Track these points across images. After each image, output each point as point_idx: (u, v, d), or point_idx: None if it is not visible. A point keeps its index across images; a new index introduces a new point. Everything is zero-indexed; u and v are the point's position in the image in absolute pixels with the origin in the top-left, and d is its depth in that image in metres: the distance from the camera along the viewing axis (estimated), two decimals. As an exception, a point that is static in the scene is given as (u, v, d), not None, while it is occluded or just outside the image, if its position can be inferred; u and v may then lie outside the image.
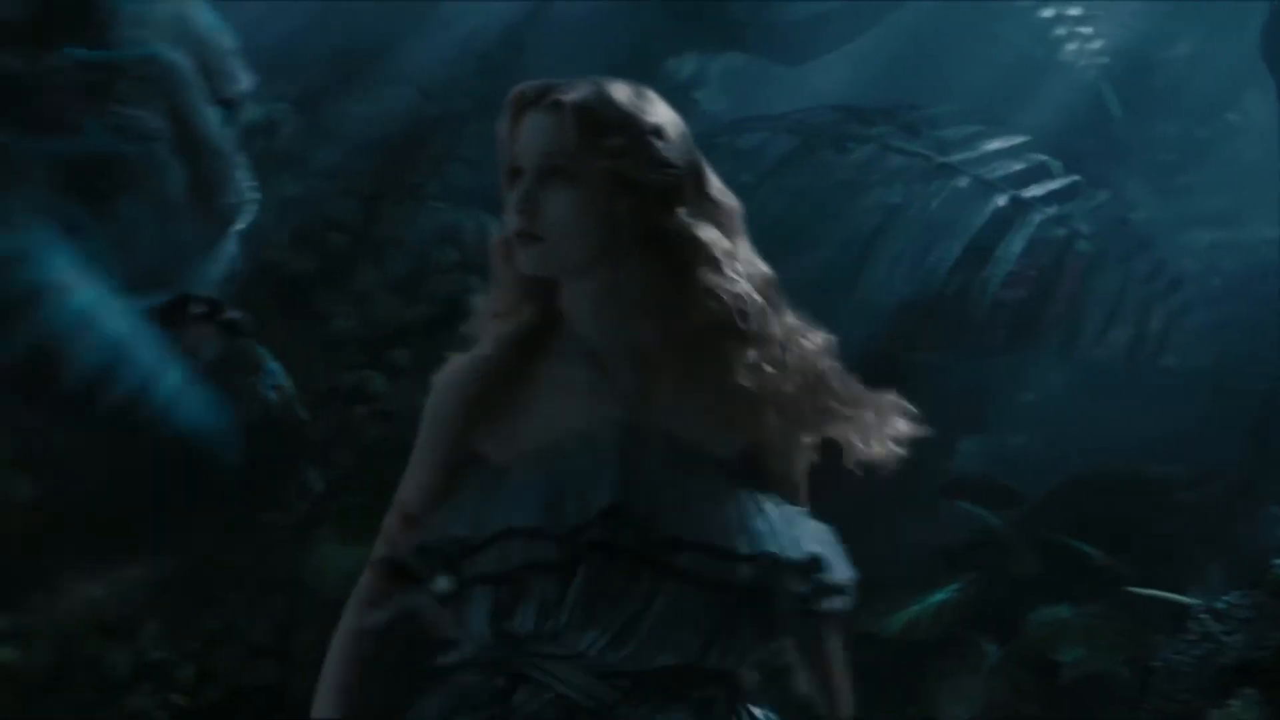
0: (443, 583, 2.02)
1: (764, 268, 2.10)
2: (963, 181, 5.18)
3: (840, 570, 2.04)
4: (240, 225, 2.14)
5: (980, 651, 4.30)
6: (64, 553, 4.71)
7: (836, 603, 2.04)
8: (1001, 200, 5.16)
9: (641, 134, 1.98)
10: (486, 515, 2.02)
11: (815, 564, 2.01)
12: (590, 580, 1.95)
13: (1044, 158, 5.43)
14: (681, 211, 2.00)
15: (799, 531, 2.02)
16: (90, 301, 2.17)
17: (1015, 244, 5.05)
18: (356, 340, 5.33)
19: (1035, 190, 5.20)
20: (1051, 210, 5.20)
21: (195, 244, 2.11)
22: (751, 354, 2.01)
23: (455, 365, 2.12)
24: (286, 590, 4.75)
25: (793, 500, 2.10)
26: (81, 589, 4.74)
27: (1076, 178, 5.35)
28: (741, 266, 2.04)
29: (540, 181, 1.98)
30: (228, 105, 2.08)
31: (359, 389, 5.17)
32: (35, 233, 2.06)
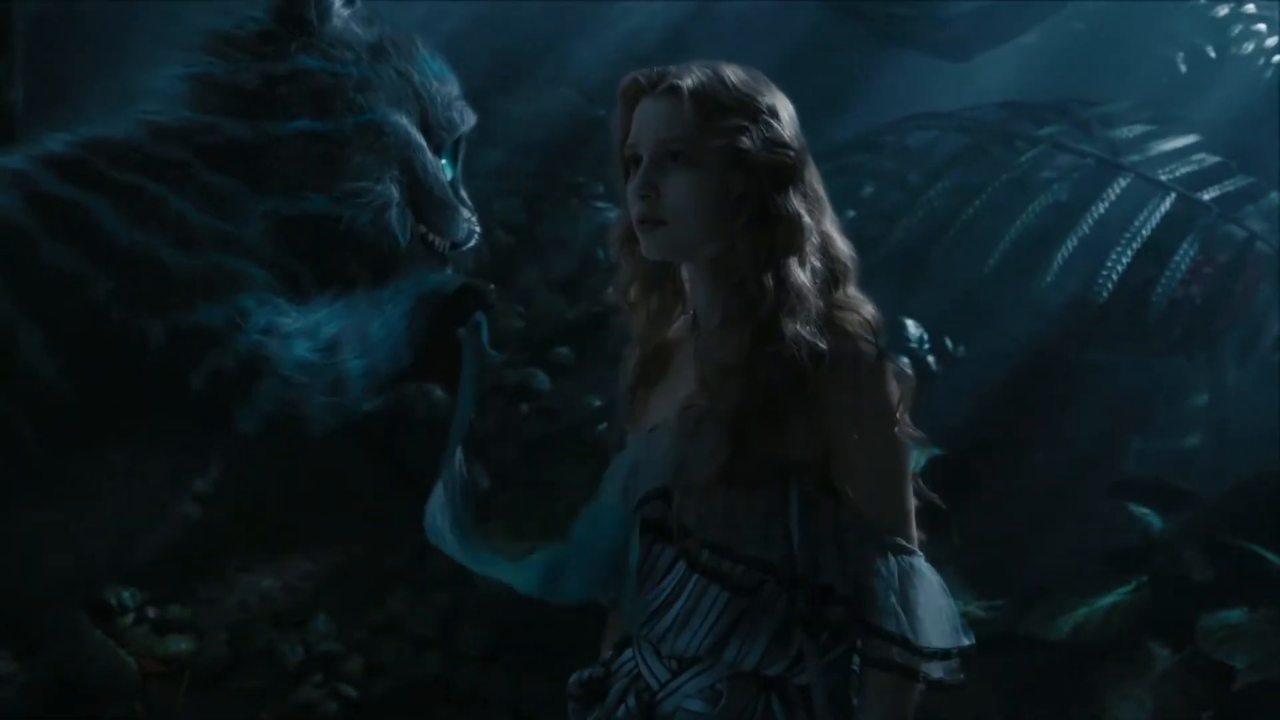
0: None
1: (846, 259, 2.08)
2: (1136, 181, 5.08)
3: (893, 619, 1.98)
4: (464, 250, 2.18)
5: (1150, 656, 4.21)
6: (237, 545, 4.82)
7: (884, 651, 1.99)
8: (1176, 201, 5.06)
9: (758, 113, 2.01)
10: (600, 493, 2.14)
11: (826, 593, 1.97)
12: (643, 556, 2.06)
13: (1219, 158, 5.31)
14: (793, 192, 2.02)
15: (835, 559, 1.98)
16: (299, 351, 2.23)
17: (1190, 245, 4.94)
18: (520, 338, 5.40)
19: (1211, 191, 5.09)
20: (1228, 211, 5.08)
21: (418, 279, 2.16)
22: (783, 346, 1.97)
23: (622, 364, 2.22)
24: (451, 584, 4.82)
25: (895, 533, 2.06)
26: (254, 581, 4.85)
27: (1253, 179, 5.22)
28: (819, 262, 2.04)
29: (659, 166, 2.01)
30: (454, 148, 2.10)
31: (523, 386, 5.22)
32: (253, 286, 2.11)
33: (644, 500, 2.04)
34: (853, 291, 2.09)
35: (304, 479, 4.77)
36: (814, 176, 2.07)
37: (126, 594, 4.68)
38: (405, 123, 2.08)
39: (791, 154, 2.02)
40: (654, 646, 2.08)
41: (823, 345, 1.98)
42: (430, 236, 2.13)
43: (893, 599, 1.99)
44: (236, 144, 2.01)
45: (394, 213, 2.09)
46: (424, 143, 2.12)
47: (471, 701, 4.62)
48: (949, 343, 4.79)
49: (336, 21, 2.13)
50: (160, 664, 4.57)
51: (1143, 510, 4.55)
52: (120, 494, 2.18)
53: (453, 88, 2.18)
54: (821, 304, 2.02)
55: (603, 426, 4.61)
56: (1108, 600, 4.37)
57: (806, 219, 2.02)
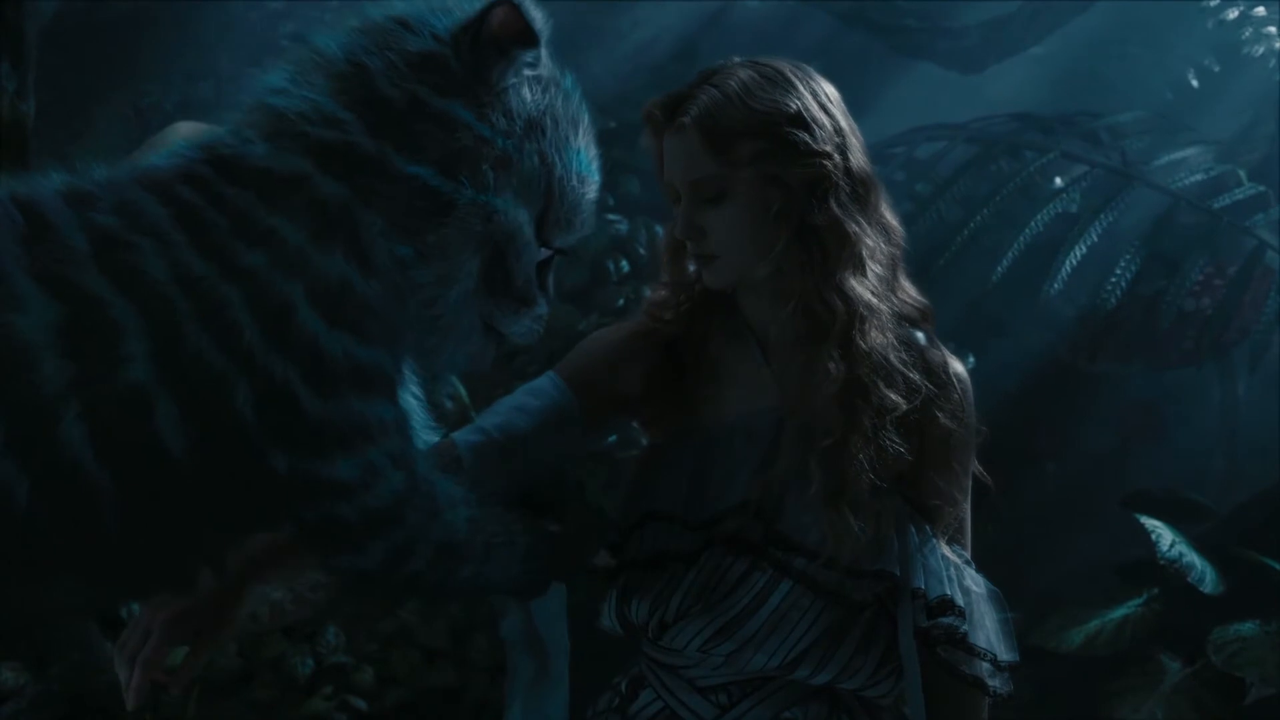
0: (601, 558, 2.08)
1: (900, 239, 2.05)
2: (1145, 191, 5.08)
3: (983, 634, 1.98)
4: (522, 343, 2.01)
5: (1161, 668, 4.20)
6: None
7: (972, 666, 1.99)
8: (1185, 210, 5.06)
9: (777, 130, 1.92)
10: (636, 499, 2.06)
11: (944, 605, 1.96)
12: (710, 570, 1.95)
13: (1228, 166, 5.31)
14: (833, 201, 1.93)
15: (944, 572, 1.97)
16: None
17: (1199, 255, 4.93)
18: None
19: (1221, 200, 5.08)
20: (1238, 220, 5.07)
21: (471, 354, 1.97)
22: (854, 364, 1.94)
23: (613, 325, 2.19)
24: (462, 596, 4.81)
25: (962, 546, 2.06)
26: (264, 592, 4.84)
27: (1262, 187, 5.22)
28: (881, 269, 1.99)
29: (696, 206, 1.96)
30: (557, 252, 1.92)
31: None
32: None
33: (724, 515, 1.97)
34: (904, 281, 2.06)
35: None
36: (863, 163, 1.98)
37: (136, 606, 4.68)
38: (522, 218, 1.89)
39: (825, 161, 1.92)
40: (689, 683, 1.99)
41: (916, 356, 1.99)
42: (491, 324, 1.98)
43: (978, 613, 1.99)
44: (353, 151, 1.79)
45: (456, 289, 1.89)
46: (533, 239, 1.93)
47: (483, 713, 4.61)
48: (959, 352, 4.79)
49: (512, 80, 1.89)
50: (170, 675, 4.56)
51: (1149, 521, 4.52)
52: None
53: (590, 190, 1.95)
54: (891, 304, 2.00)
55: (613, 438, 4.60)
56: (1119, 612, 4.35)
57: (850, 226, 1.93)
